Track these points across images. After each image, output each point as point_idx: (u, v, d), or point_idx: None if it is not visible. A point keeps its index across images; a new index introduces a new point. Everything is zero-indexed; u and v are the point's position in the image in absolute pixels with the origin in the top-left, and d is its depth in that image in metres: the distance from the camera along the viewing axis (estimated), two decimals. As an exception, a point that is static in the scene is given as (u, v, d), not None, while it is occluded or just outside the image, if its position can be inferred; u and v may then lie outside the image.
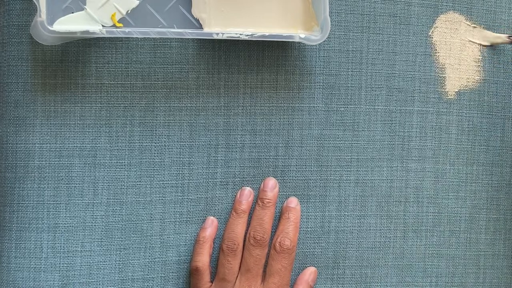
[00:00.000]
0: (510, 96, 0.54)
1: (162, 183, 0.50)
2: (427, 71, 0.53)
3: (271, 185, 0.50)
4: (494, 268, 0.54)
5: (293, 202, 0.51)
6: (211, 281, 0.49)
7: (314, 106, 0.51)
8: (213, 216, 0.50)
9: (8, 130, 0.48)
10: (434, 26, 0.53)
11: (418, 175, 0.53)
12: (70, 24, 0.46)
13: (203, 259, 0.49)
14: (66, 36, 0.45)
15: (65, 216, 0.49)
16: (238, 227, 0.49)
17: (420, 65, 0.52)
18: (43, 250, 0.48)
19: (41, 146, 0.48)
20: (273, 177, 0.51)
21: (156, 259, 0.50)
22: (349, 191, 0.52)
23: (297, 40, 0.47)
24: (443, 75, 0.53)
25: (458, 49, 0.53)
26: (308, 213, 0.51)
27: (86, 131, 0.49)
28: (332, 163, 0.52)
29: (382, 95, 0.52)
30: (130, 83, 0.49)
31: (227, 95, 0.50)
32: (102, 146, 0.49)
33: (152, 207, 0.50)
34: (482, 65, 0.53)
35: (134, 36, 0.45)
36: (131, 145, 0.49)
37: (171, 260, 0.50)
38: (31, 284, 0.48)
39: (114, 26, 0.46)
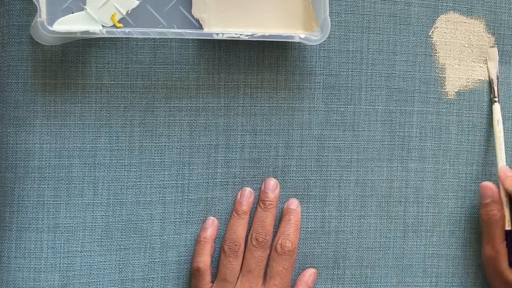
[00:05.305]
0: (510, 96, 0.54)
1: (162, 184, 0.50)
2: (427, 71, 0.53)
3: (272, 185, 0.50)
4: (494, 268, 0.54)
5: (294, 203, 0.51)
6: (212, 282, 0.49)
7: (314, 106, 0.51)
8: (214, 216, 0.50)
9: (8, 130, 0.48)
10: (434, 26, 0.53)
11: (418, 175, 0.53)
12: (70, 24, 0.45)
13: (205, 259, 0.49)
14: (66, 36, 0.45)
15: (65, 216, 0.49)
16: (240, 228, 0.49)
17: (420, 65, 0.52)
18: (43, 250, 0.48)
19: (41, 146, 0.48)
20: (273, 177, 0.51)
21: (156, 259, 0.50)
22: (349, 191, 0.52)
23: (297, 40, 0.47)
24: (443, 75, 0.53)
25: (458, 49, 0.53)
26: (308, 214, 0.51)
27: (86, 131, 0.49)
28: (332, 163, 0.52)
29: (382, 95, 0.52)
30: (130, 83, 0.49)
31: (227, 95, 0.50)
32: (102, 146, 0.49)
33: (152, 208, 0.50)
34: (482, 65, 0.53)
35: (134, 36, 0.45)
36: (131, 145, 0.49)
37: (171, 260, 0.50)
38: (31, 284, 0.48)
39: (114, 26, 0.46)
